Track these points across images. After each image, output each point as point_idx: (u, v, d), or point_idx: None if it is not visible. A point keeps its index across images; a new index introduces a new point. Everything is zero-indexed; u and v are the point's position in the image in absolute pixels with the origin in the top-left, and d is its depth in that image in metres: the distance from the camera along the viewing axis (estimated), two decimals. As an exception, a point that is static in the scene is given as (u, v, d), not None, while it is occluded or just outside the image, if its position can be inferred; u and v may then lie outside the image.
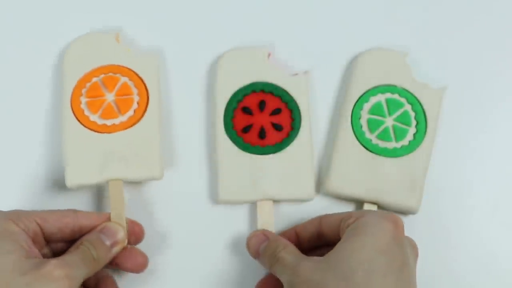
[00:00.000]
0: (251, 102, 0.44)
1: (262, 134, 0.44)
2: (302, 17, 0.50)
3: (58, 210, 0.39)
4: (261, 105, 0.44)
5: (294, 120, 0.44)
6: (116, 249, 0.39)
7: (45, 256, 0.38)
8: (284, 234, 0.42)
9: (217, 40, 0.48)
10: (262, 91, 0.44)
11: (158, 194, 0.45)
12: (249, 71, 0.45)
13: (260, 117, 0.44)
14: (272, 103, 0.44)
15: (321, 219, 0.41)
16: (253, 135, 0.44)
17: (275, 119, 0.44)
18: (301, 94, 0.45)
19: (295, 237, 0.42)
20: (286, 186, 0.43)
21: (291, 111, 0.44)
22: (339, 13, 0.50)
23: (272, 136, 0.44)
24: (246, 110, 0.44)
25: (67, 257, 0.35)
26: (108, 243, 0.38)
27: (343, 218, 0.38)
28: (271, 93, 0.44)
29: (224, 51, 0.46)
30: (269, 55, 0.45)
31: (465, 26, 0.50)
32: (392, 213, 0.38)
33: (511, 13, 0.50)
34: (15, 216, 0.36)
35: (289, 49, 0.49)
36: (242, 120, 0.44)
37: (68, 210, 0.39)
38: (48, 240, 0.38)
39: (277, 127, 0.44)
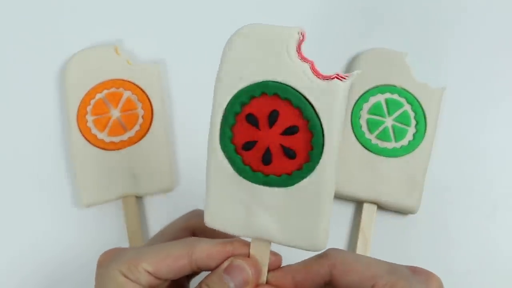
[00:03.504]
0: (260, 109, 0.30)
1: (266, 158, 0.31)
2: (302, 17, 0.50)
3: (172, 251, 0.33)
4: (272, 117, 0.30)
5: (313, 148, 0.30)
6: None
7: None
8: (276, 280, 0.33)
9: (219, 48, 0.48)
10: (277, 95, 0.30)
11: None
12: (265, 62, 0.30)
13: (268, 134, 0.31)
14: (287, 117, 0.30)
15: (332, 271, 0.32)
16: (255, 156, 0.31)
17: (288, 141, 0.30)
18: (333, 111, 0.29)
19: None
20: (289, 231, 0.32)
21: (312, 133, 0.30)
22: (339, 13, 0.49)
23: (280, 163, 0.31)
24: (252, 120, 0.31)
25: None
26: (232, 285, 0.32)
27: (375, 286, 0.31)
28: (289, 101, 0.30)
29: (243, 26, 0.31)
30: (301, 39, 0.30)
31: (464, 26, 0.49)
32: (436, 278, 0.33)
33: (509, 14, 0.49)
34: (125, 267, 0.32)
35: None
36: (245, 131, 0.31)
37: (183, 248, 0.33)
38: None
39: (288, 153, 0.30)
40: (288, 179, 0.31)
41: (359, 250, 0.44)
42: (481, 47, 0.49)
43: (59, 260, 0.45)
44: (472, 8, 0.49)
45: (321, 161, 0.30)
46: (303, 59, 0.30)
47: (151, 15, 0.50)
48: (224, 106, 0.31)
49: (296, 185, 0.31)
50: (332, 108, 0.29)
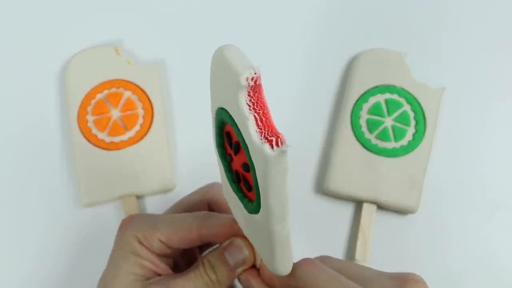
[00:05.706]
0: (231, 132, 0.29)
1: (236, 177, 0.30)
2: (302, 17, 0.50)
3: (184, 224, 0.35)
4: (235, 147, 0.28)
5: (256, 194, 0.28)
6: (240, 270, 0.35)
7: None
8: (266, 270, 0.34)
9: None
10: (237, 130, 0.27)
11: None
12: (228, 94, 0.26)
13: (235, 159, 0.29)
14: (242, 156, 0.28)
15: None
16: (233, 169, 0.31)
17: (246, 175, 0.29)
18: (266, 175, 0.25)
19: None
20: (256, 244, 0.33)
21: (254, 182, 0.27)
22: (338, 13, 0.49)
23: (245, 190, 0.30)
24: (228, 139, 0.29)
25: (185, 282, 0.34)
26: (232, 262, 0.34)
27: None
28: (243, 142, 0.27)
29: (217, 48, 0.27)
30: (251, 85, 0.25)
31: (463, 27, 0.49)
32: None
33: (508, 14, 0.49)
34: (141, 234, 0.35)
35: (288, 49, 0.49)
36: (226, 145, 0.30)
37: (194, 222, 0.35)
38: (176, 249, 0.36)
39: (246, 185, 0.29)
40: (248, 205, 0.29)
41: (359, 250, 0.44)
42: (481, 47, 0.49)
43: (59, 260, 0.45)
44: (471, 8, 0.49)
45: (261, 209, 0.27)
46: (255, 105, 0.25)
47: (151, 15, 0.50)
48: (214, 115, 0.30)
49: (253, 215, 0.29)
50: (265, 172, 0.25)
